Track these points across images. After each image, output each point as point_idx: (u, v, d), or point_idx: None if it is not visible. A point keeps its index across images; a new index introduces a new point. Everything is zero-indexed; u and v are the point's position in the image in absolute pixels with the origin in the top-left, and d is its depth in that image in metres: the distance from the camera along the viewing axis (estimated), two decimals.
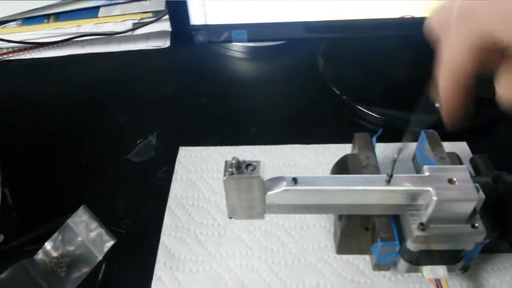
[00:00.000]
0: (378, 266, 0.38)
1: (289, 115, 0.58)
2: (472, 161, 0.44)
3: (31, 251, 0.42)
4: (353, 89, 0.59)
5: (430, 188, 0.30)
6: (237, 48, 0.68)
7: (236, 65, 0.68)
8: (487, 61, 0.26)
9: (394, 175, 0.31)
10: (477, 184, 0.32)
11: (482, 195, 0.32)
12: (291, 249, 0.43)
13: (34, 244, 0.42)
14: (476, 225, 0.32)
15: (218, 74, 0.66)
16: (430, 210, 0.31)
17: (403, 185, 0.31)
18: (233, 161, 0.31)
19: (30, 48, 0.67)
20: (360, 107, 0.56)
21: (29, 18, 0.69)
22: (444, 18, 0.27)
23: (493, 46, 0.24)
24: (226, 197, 0.32)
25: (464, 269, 0.38)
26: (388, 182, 0.31)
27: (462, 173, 0.31)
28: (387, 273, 0.40)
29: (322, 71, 0.63)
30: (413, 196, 0.31)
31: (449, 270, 0.35)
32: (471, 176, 0.34)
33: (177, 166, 0.51)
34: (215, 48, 0.68)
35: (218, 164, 0.51)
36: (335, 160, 0.44)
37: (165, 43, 0.68)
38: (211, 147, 0.53)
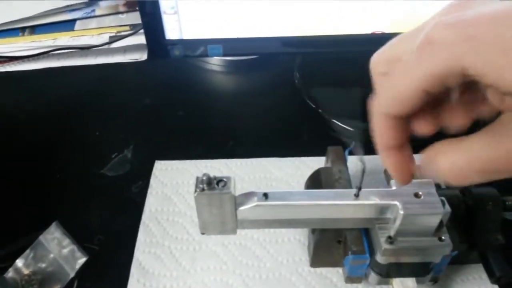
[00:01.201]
0: (350, 279, 0.38)
1: (265, 128, 0.58)
2: None
3: (1, 269, 0.41)
4: (328, 103, 0.60)
5: (397, 202, 0.31)
6: (214, 61, 0.68)
7: (213, 78, 0.68)
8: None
9: (362, 189, 0.32)
10: (443, 198, 0.33)
11: (448, 208, 0.33)
12: (266, 263, 0.43)
13: (5, 262, 0.42)
14: (443, 238, 0.33)
15: (195, 87, 0.66)
16: (397, 223, 0.31)
17: (371, 199, 0.31)
18: (204, 177, 0.31)
19: (5, 62, 0.67)
20: (335, 121, 0.57)
21: (4, 31, 0.68)
22: (398, 50, 0.24)
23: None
24: (198, 213, 0.33)
25: (434, 281, 0.38)
26: (357, 196, 0.32)
27: (428, 187, 0.32)
28: (359, 286, 0.40)
29: (298, 85, 0.63)
30: (381, 210, 0.32)
31: (418, 282, 0.36)
32: (440, 189, 0.35)
33: (152, 180, 0.50)
34: (192, 61, 0.69)
35: (194, 178, 0.50)
36: (310, 173, 0.44)
37: (142, 56, 0.68)
38: (187, 161, 0.53)
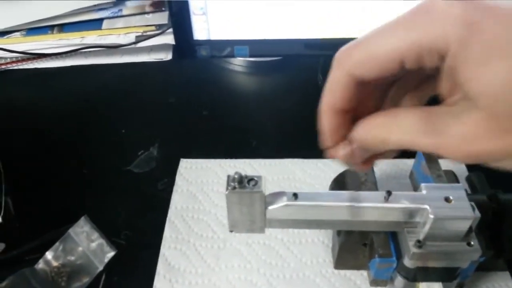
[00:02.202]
0: (376, 282, 0.38)
1: (289, 129, 0.58)
2: (468, 179, 0.45)
3: (32, 260, 0.42)
4: None
5: (427, 206, 0.31)
6: (238, 62, 0.69)
7: (236, 79, 0.69)
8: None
9: (393, 192, 0.32)
10: (472, 203, 0.33)
11: (477, 213, 0.33)
12: (290, 263, 0.43)
13: (35, 254, 0.43)
14: (472, 243, 0.33)
15: (219, 87, 0.66)
16: (427, 227, 0.31)
17: (401, 203, 0.32)
18: (236, 176, 0.31)
19: (34, 58, 0.68)
20: None
21: (34, 29, 0.69)
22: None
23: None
24: (228, 211, 0.33)
25: (460, 286, 0.38)
26: (387, 199, 0.32)
27: (458, 192, 0.32)
28: None
29: (321, 86, 0.63)
30: (411, 213, 0.32)
31: (444, 287, 0.36)
32: (467, 194, 0.34)
33: (178, 178, 0.51)
34: (216, 61, 0.70)
35: (218, 177, 0.51)
36: (334, 175, 0.44)
37: (167, 56, 0.69)
38: (212, 160, 0.53)
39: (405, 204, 0.32)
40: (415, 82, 0.26)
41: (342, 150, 0.27)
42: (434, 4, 0.20)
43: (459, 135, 0.21)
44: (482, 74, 0.19)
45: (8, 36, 0.69)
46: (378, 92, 0.27)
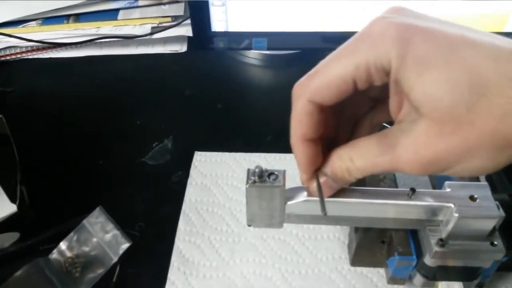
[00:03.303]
0: (394, 279, 0.38)
1: None
2: (487, 177, 0.44)
3: (46, 250, 0.42)
4: None
5: (451, 205, 0.30)
6: (253, 55, 0.68)
7: (251, 72, 0.68)
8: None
9: (417, 190, 0.31)
10: (497, 202, 0.32)
11: (502, 213, 0.32)
12: (305, 259, 0.43)
13: (50, 244, 0.43)
14: (495, 242, 0.32)
15: (234, 80, 0.66)
16: (450, 226, 0.31)
17: (425, 200, 0.31)
18: (256, 170, 0.31)
19: (49, 48, 0.68)
20: None
21: (49, 18, 0.69)
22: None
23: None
24: (247, 205, 0.33)
25: (480, 286, 0.38)
26: (410, 197, 0.31)
27: (483, 190, 0.31)
28: (402, 287, 0.40)
29: None
30: (434, 211, 0.31)
31: (465, 287, 0.35)
32: None
33: (192, 171, 0.51)
34: (231, 54, 0.69)
35: (233, 170, 0.51)
36: None
37: (182, 48, 0.68)
38: (226, 153, 0.53)
39: (429, 202, 0.31)
40: (367, 108, 0.29)
41: (314, 182, 0.29)
42: (373, 29, 0.23)
43: (410, 146, 0.23)
44: (420, 83, 0.22)
45: (24, 25, 0.69)
46: (346, 120, 0.30)
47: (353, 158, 0.26)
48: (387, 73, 0.23)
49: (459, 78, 0.21)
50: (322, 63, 0.25)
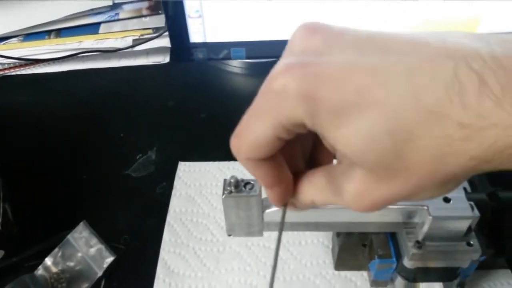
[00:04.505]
0: (376, 282, 0.38)
1: None
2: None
3: (31, 266, 0.42)
4: None
5: (425, 207, 0.31)
6: (235, 63, 0.68)
7: (234, 80, 0.69)
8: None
9: None
10: (471, 203, 0.32)
11: (476, 213, 0.33)
12: (290, 265, 0.43)
13: (35, 260, 0.43)
14: (471, 242, 0.33)
15: (217, 89, 0.66)
16: (425, 228, 0.31)
17: (399, 204, 0.31)
18: (232, 180, 0.31)
19: (31, 64, 0.68)
20: None
21: (31, 34, 0.70)
22: None
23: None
24: (225, 215, 0.33)
25: (461, 286, 0.38)
26: None
27: (457, 192, 0.32)
28: None
29: None
30: (409, 214, 0.32)
31: (445, 287, 0.36)
32: (466, 193, 0.34)
33: (176, 182, 0.51)
34: (214, 63, 0.69)
35: (217, 180, 0.51)
36: None
37: (165, 59, 0.69)
38: (210, 163, 0.53)
39: (404, 205, 0.31)
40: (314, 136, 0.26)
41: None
42: (272, 87, 0.21)
43: (352, 192, 0.22)
44: (340, 136, 0.20)
45: (5, 42, 0.69)
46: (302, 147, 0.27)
47: (313, 193, 0.25)
48: (305, 126, 0.21)
49: (376, 126, 0.19)
50: (242, 123, 0.24)
